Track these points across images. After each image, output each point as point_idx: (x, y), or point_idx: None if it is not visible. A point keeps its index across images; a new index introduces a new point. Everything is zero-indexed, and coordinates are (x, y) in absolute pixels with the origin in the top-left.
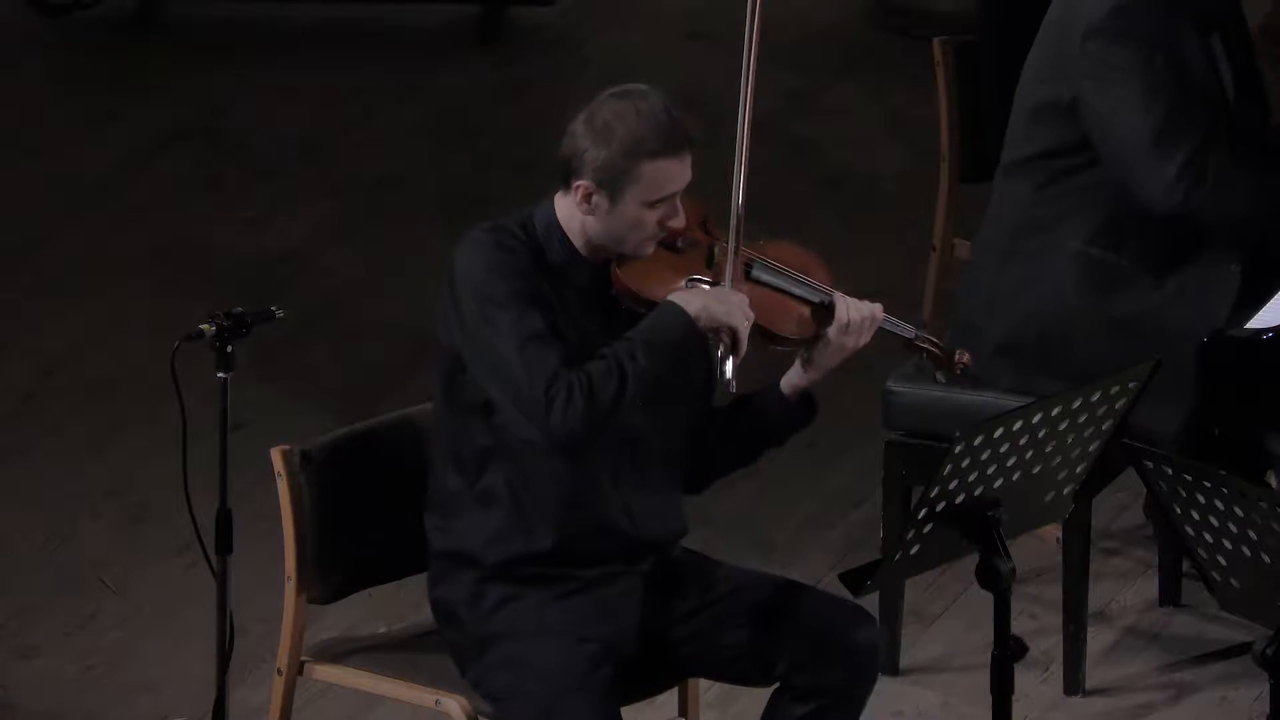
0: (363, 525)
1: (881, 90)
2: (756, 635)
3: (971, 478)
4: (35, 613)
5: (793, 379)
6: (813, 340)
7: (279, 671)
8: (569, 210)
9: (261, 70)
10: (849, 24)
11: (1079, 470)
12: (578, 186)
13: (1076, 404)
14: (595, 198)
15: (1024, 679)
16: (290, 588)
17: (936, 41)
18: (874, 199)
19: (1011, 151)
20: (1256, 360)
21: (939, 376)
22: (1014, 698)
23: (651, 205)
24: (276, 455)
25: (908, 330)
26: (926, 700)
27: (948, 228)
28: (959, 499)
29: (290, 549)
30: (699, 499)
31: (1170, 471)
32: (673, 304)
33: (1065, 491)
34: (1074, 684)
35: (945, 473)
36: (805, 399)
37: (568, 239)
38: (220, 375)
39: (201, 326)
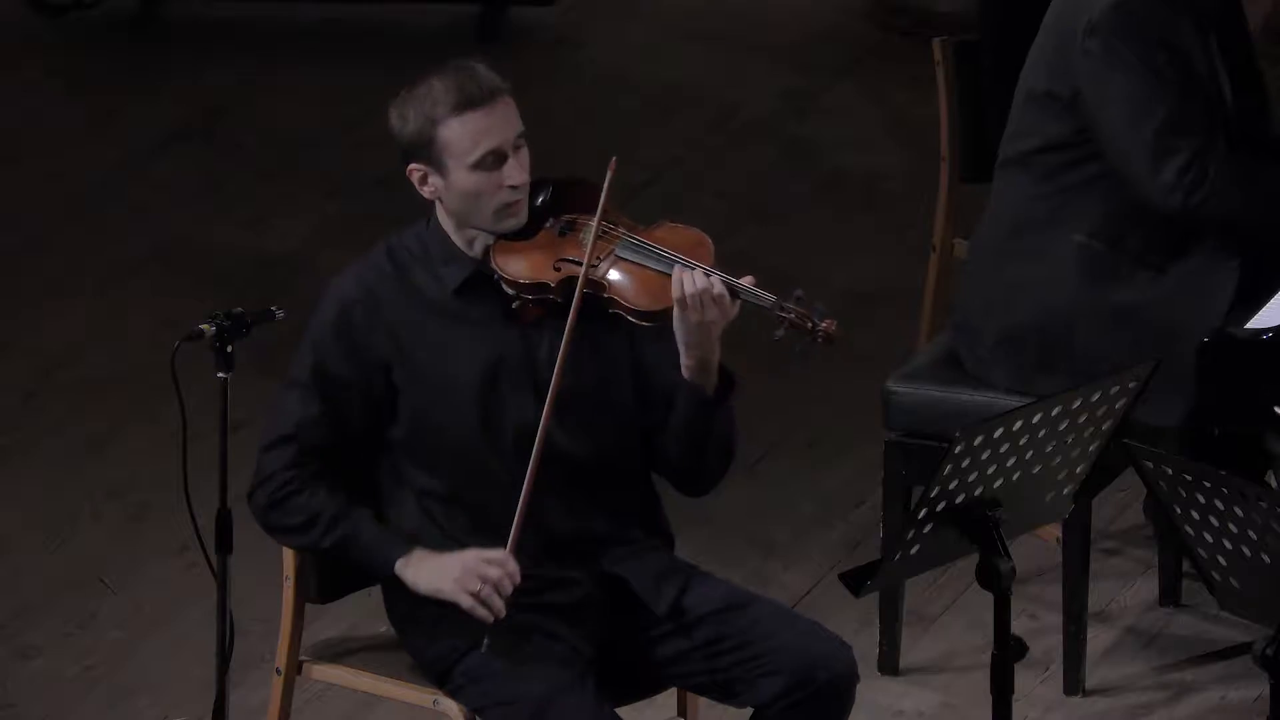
0: None
1: (881, 90)
2: (732, 668)
3: (971, 478)
4: (35, 613)
5: (684, 364)
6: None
7: (278, 671)
8: (440, 205)
9: (261, 70)
10: (849, 24)
11: (1079, 470)
12: (410, 172)
13: (1076, 404)
14: (430, 178)
15: (1024, 679)
16: (290, 588)
17: (936, 41)
18: (874, 199)
19: (1012, 145)
20: (1256, 360)
21: (797, 348)
22: (1014, 698)
23: (478, 166)
24: None
25: (767, 301)
26: (926, 700)
27: (948, 228)
28: (959, 499)
29: (290, 549)
30: (699, 499)
31: (1170, 471)
32: (406, 560)
33: (1065, 491)
34: (1074, 684)
35: (945, 473)
36: (723, 381)
37: (447, 236)
38: (220, 375)
39: (201, 326)
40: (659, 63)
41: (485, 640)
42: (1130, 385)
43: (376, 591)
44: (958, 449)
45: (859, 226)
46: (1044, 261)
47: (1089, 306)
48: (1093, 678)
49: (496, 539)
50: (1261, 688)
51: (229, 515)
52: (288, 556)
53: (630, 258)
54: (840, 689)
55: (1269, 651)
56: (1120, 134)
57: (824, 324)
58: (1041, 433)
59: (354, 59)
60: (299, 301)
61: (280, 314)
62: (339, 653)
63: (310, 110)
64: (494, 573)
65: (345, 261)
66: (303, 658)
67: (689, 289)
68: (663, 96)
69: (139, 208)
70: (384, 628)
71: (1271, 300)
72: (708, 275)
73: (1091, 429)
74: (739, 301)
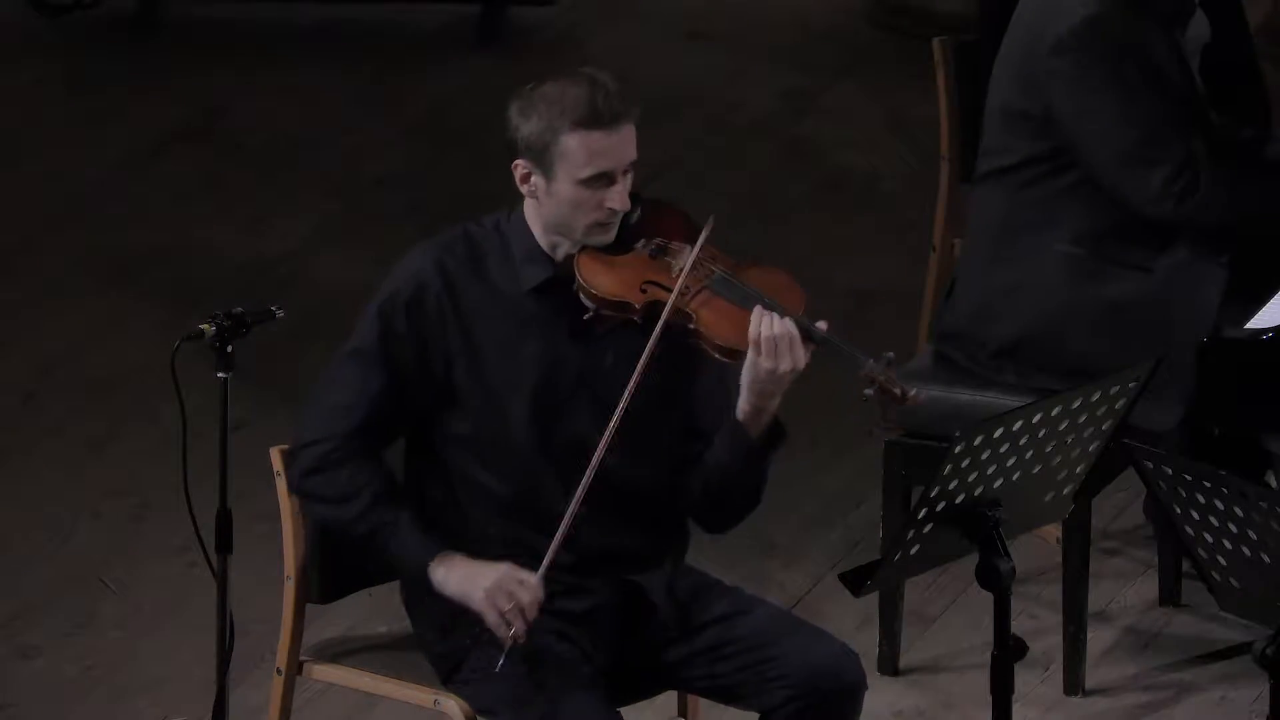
0: None
1: (881, 90)
2: (737, 673)
3: (971, 478)
4: (35, 613)
5: (740, 407)
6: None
7: (279, 671)
8: (532, 204)
9: (261, 70)
10: (849, 24)
11: (1079, 470)
12: (515, 166)
13: (1076, 404)
14: (533, 177)
15: (1024, 679)
16: (290, 588)
17: (936, 41)
18: (874, 199)
19: (988, 161)
20: (1256, 360)
21: (885, 414)
22: (1014, 698)
23: (585, 183)
24: (276, 455)
25: (860, 360)
26: (927, 700)
27: (948, 228)
28: (959, 499)
29: (290, 549)
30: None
31: (1170, 471)
32: (441, 558)
33: (1065, 491)
34: (1074, 684)
35: (945, 473)
36: (771, 431)
37: (532, 234)
38: (220, 375)
39: (201, 326)
40: (659, 63)
41: (502, 657)
42: (1130, 385)
43: (377, 591)
44: (958, 449)
45: (859, 226)
46: (1030, 267)
47: (1078, 309)
48: (1093, 678)
49: (534, 539)
50: (1261, 688)
51: (229, 515)
52: (288, 556)
53: (723, 293)
54: (847, 697)
55: (1269, 651)
56: (1100, 149)
57: (912, 393)
58: (1041, 433)
59: (354, 59)
60: (299, 302)
61: (280, 314)
62: (339, 653)
63: (310, 110)
64: (524, 597)
65: (345, 261)
66: (303, 658)
67: (765, 331)
68: (663, 96)
69: (139, 208)
70: (384, 628)
71: (1271, 300)
72: (783, 319)
73: (1091, 429)
74: (810, 351)
